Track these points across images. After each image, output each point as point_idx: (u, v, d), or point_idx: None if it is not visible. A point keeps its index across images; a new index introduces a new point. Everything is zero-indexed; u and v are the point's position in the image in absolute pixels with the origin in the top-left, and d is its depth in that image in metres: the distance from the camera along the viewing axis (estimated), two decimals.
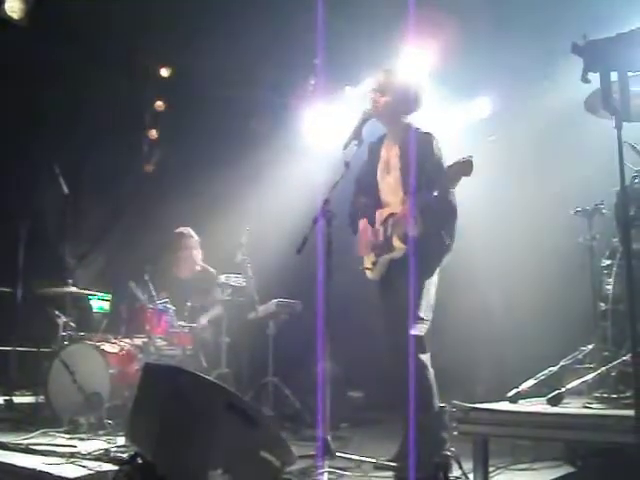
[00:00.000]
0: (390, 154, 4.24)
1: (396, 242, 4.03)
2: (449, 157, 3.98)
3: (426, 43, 6.32)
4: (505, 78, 6.46)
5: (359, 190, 4.41)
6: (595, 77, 3.00)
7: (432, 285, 4.04)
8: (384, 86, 4.21)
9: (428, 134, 4.12)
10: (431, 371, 3.91)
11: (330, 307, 3.90)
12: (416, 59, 6.42)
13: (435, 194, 3.80)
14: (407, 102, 4.21)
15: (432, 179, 3.85)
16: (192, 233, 6.75)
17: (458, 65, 6.35)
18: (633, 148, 3.84)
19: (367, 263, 4.23)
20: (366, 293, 4.54)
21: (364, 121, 4.17)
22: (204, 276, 6.64)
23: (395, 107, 4.19)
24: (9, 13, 6.45)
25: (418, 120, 4.25)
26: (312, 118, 7.71)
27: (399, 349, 3.85)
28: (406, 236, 3.96)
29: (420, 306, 3.92)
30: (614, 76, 2.97)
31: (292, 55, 6.98)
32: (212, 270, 6.68)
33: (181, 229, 6.77)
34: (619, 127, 2.91)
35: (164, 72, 7.86)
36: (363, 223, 4.27)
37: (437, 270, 4.07)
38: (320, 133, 7.58)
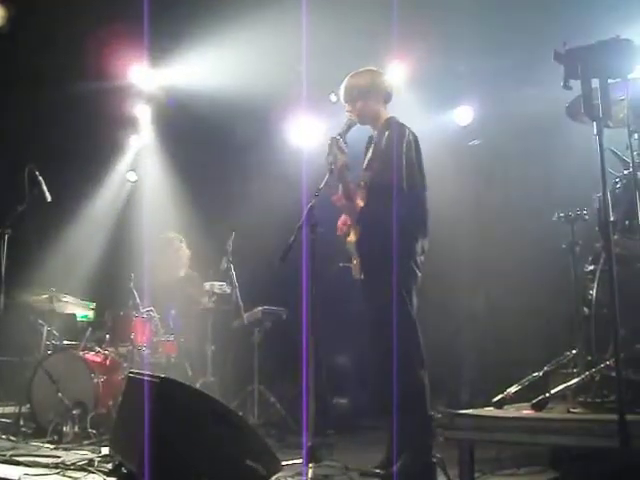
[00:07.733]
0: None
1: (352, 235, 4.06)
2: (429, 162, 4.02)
3: (407, 51, 6.36)
4: (487, 85, 6.50)
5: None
6: (576, 84, 3.03)
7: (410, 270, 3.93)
8: (350, 94, 4.20)
9: (401, 125, 4.08)
10: (424, 372, 3.81)
11: (315, 314, 3.89)
12: (397, 67, 6.47)
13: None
14: (377, 94, 4.20)
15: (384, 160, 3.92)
16: (178, 237, 6.73)
17: (439, 73, 6.39)
18: (614, 154, 3.87)
19: (353, 260, 4.18)
20: (351, 299, 4.53)
21: (348, 128, 4.17)
22: (188, 281, 6.61)
23: (369, 105, 4.18)
24: None
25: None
26: (297, 125, 7.72)
27: (386, 348, 3.73)
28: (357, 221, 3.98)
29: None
30: (595, 83, 3.00)
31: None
32: (195, 273, 6.66)
33: (167, 234, 6.75)
34: (600, 133, 2.94)
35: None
36: (341, 220, 4.22)
37: (411, 254, 3.93)
38: (305, 140, 7.59)
